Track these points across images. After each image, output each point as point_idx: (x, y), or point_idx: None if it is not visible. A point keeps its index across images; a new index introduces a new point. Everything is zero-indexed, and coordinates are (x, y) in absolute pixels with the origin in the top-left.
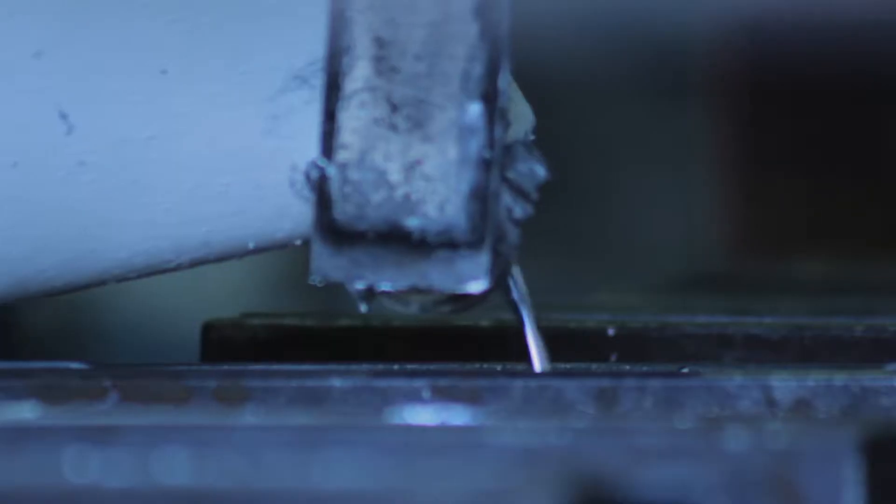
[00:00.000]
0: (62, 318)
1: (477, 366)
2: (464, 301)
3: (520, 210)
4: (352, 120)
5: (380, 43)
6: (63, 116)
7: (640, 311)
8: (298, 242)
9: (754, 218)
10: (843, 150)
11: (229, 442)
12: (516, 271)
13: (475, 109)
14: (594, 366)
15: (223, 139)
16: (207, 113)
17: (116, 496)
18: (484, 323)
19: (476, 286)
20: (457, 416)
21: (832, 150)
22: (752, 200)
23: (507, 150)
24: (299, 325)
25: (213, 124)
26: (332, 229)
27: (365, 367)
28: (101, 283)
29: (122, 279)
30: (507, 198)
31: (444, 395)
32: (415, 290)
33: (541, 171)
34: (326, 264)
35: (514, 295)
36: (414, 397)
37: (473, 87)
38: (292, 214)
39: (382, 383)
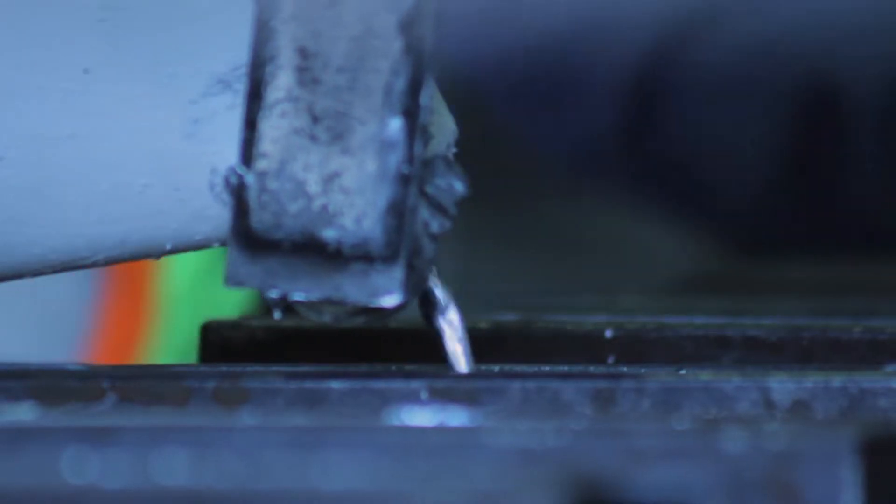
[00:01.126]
0: None
1: (475, 367)
2: (378, 313)
3: (437, 225)
4: (272, 129)
5: (303, 54)
6: None
7: (638, 313)
8: (216, 245)
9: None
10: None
11: (228, 443)
12: (435, 280)
13: (396, 124)
14: (592, 367)
15: (143, 140)
16: (128, 113)
17: (115, 497)
18: (482, 324)
19: (389, 300)
20: (455, 417)
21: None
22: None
23: (427, 164)
24: (298, 327)
25: (134, 125)
26: (249, 237)
27: (363, 368)
28: (16, 277)
29: (37, 274)
30: (424, 212)
31: (441, 396)
32: (329, 301)
33: (459, 187)
34: (241, 271)
35: (435, 302)
36: (412, 398)
37: (395, 101)
38: (211, 217)
39: (380, 384)
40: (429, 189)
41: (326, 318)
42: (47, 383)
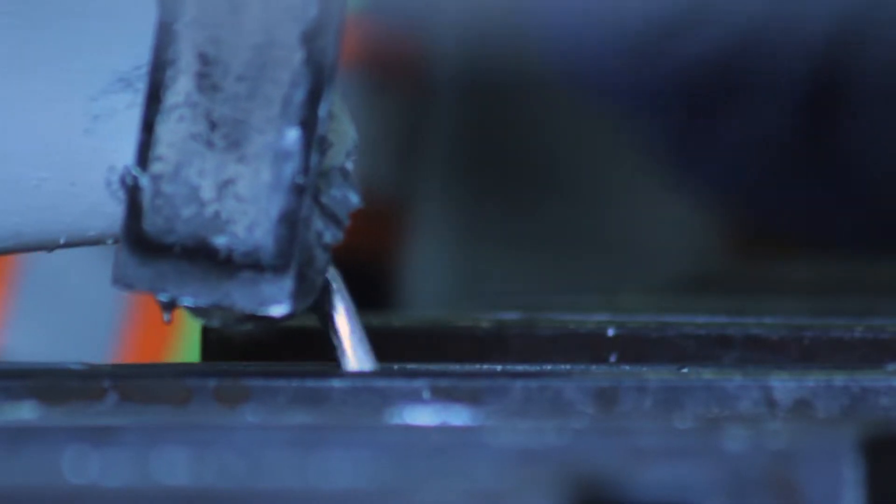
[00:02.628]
0: None
1: (477, 366)
2: (266, 320)
3: (330, 236)
4: (169, 133)
5: (204, 59)
6: None
7: (640, 312)
8: (111, 242)
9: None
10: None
11: (229, 442)
12: (337, 280)
13: (293, 135)
14: (594, 366)
15: (42, 134)
16: (28, 107)
17: (116, 496)
18: (484, 323)
19: (277, 310)
20: (457, 416)
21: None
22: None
23: (323, 175)
24: (299, 326)
25: (33, 119)
26: (140, 239)
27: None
28: None
29: None
30: (318, 223)
31: (443, 396)
32: (217, 307)
33: (354, 199)
34: (131, 273)
35: (335, 304)
36: (414, 397)
37: (293, 112)
38: (106, 214)
39: (382, 383)
40: (324, 199)
41: (215, 322)
42: (48, 383)
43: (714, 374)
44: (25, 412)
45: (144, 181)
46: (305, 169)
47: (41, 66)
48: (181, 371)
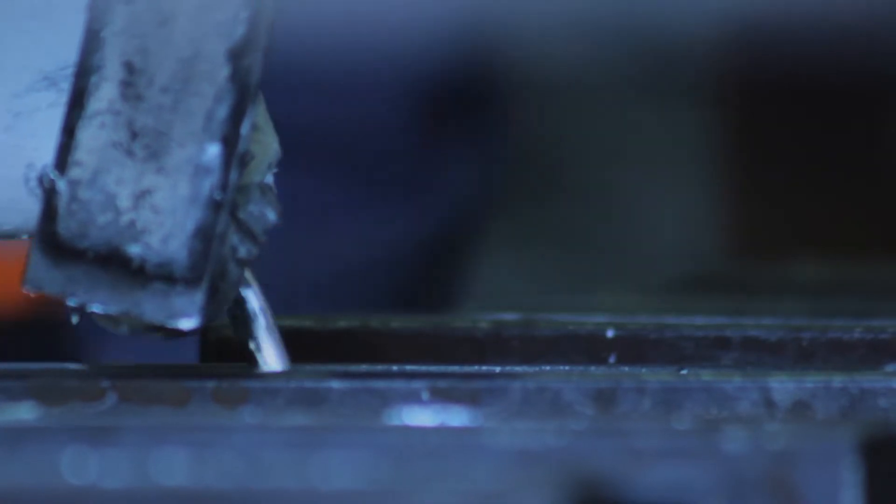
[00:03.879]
0: (62, 318)
1: (476, 367)
2: (174, 333)
3: (245, 251)
4: (90, 139)
5: (129, 69)
6: None
7: (639, 313)
8: (26, 237)
9: (753, 219)
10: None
11: (228, 442)
12: (252, 280)
13: (213, 151)
14: (593, 367)
15: None
16: None
17: (115, 497)
18: (483, 324)
19: (186, 323)
20: (455, 417)
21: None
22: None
23: (242, 191)
24: (297, 326)
25: None
26: (54, 243)
27: (364, 368)
28: None
29: None
30: (234, 238)
31: (442, 397)
32: (127, 315)
33: (271, 216)
34: (42, 276)
35: (251, 307)
36: (413, 399)
37: (215, 128)
38: (23, 210)
39: (381, 385)
40: (241, 215)
41: (122, 330)
42: (47, 383)
43: (713, 376)
44: (25, 412)
45: (61, 185)
46: (224, 185)
47: None
48: (180, 372)
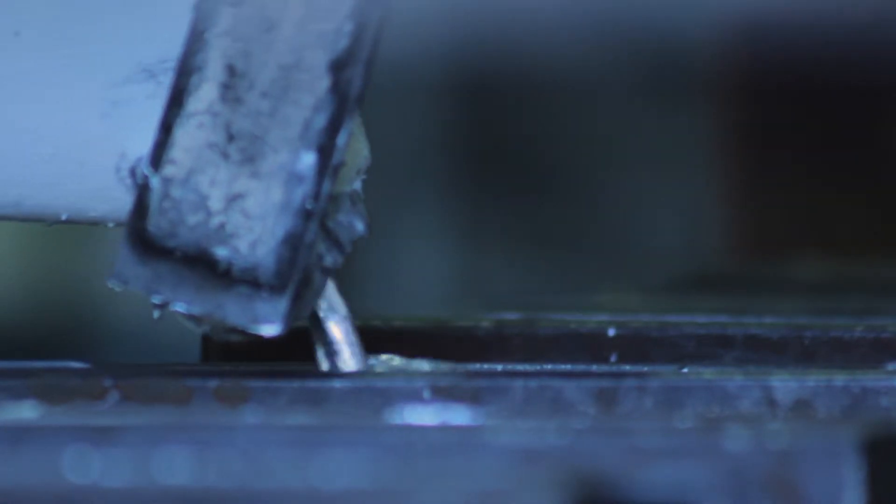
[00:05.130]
0: (62, 319)
1: (477, 366)
2: (254, 337)
3: (331, 259)
4: (187, 138)
5: (231, 71)
6: None
7: (640, 312)
8: (111, 225)
9: (755, 217)
10: (843, 150)
11: (230, 442)
12: (330, 284)
13: (308, 159)
14: (594, 366)
15: (58, 111)
16: (49, 83)
17: (117, 496)
18: (484, 323)
19: (268, 329)
20: (457, 416)
21: (832, 150)
22: (751, 201)
23: (333, 199)
24: (298, 326)
25: (52, 95)
26: (143, 239)
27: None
28: None
29: None
30: (321, 246)
31: (444, 395)
32: (209, 317)
33: (360, 227)
34: (129, 271)
35: (323, 309)
36: (414, 397)
37: (312, 137)
38: (111, 198)
39: (383, 383)
40: (330, 223)
41: (203, 329)
42: (49, 382)
43: (714, 374)
44: (26, 411)
45: (155, 182)
46: (316, 194)
47: (68, 46)
48: (182, 371)
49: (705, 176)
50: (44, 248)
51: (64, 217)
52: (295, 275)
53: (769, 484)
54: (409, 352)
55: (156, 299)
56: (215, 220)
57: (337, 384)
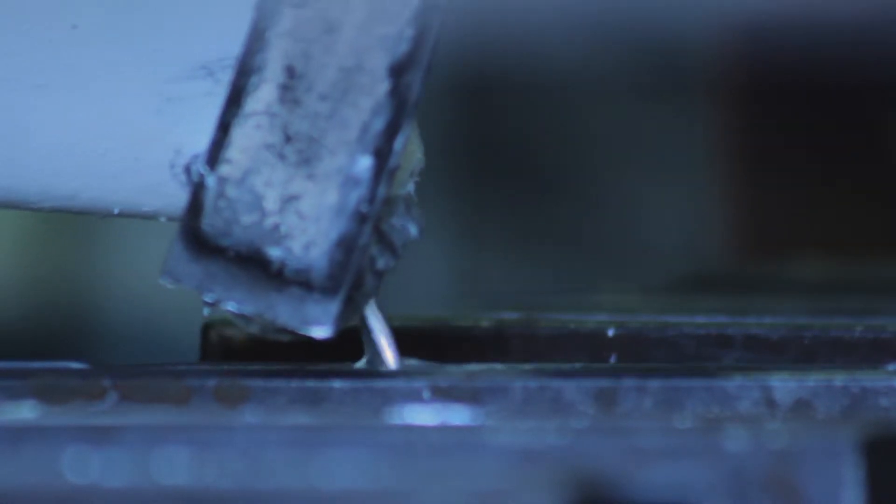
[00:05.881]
0: (62, 319)
1: (477, 366)
2: (303, 337)
3: (383, 262)
4: (244, 138)
5: (290, 72)
6: None
7: (640, 312)
8: (164, 220)
9: (754, 218)
10: (843, 150)
11: (229, 442)
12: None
13: (365, 163)
14: (594, 366)
15: (115, 106)
16: (106, 77)
17: (116, 496)
18: (484, 323)
19: (320, 332)
20: (457, 416)
21: (832, 150)
22: (752, 200)
23: (388, 202)
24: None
25: (109, 89)
26: (197, 237)
27: (365, 366)
28: None
29: None
30: (374, 248)
31: (443, 395)
32: (260, 317)
33: (413, 231)
34: (181, 269)
35: (371, 308)
36: (414, 397)
37: (369, 141)
38: (165, 193)
39: (382, 383)
40: (384, 226)
41: (253, 329)
42: (49, 382)
43: (714, 375)
44: (25, 411)
45: (211, 180)
46: (372, 198)
47: (126, 41)
48: (181, 371)
49: (705, 176)
50: (44, 249)
51: (117, 211)
52: (347, 277)
53: (769, 484)
54: (409, 352)
55: (208, 298)
56: (270, 221)
57: (337, 384)
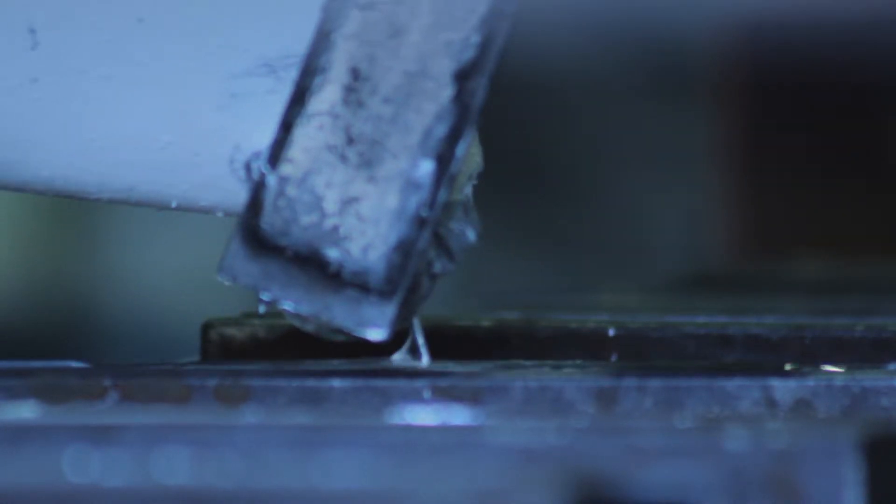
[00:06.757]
0: (62, 318)
1: (477, 366)
2: (359, 339)
3: (440, 266)
4: (306, 138)
5: (355, 74)
6: (31, 31)
7: (640, 312)
8: (221, 214)
9: (754, 218)
10: (844, 151)
11: (230, 441)
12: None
13: (427, 167)
14: (594, 366)
15: (177, 100)
16: (170, 70)
17: (116, 495)
18: (484, 323)
19: (375, 334)
20: (457, 415)
21: (832, 150)
22: (752, 200)
23: (447, 207)
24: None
25: (172, 83)
26: (255, 235)
27: (365, 366)
28: (18, 190)
29: (38, 193)
30: (431, 253)
31: (444, 395)
32: (315, 317)
33: (471, 236)
34: (240, 267)
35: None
36: (414, 397)
37: (432, 145)
38: (222, 188)
39: (383, 383)
40: (442, 231)
41: (308, 328)
42: (49, 381)
43: (714, 374)
44: (26, 411)
45: (272, 179)
46: (432, 203)
47: (190, 35)
48: (182, 371)
49: (705, 176)
50: (44, 248)
51: (174, 205)
52: (405, 281)
53: (769, 484)
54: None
55: (265, 296)
56: (329, 222)
57: (337, 384)
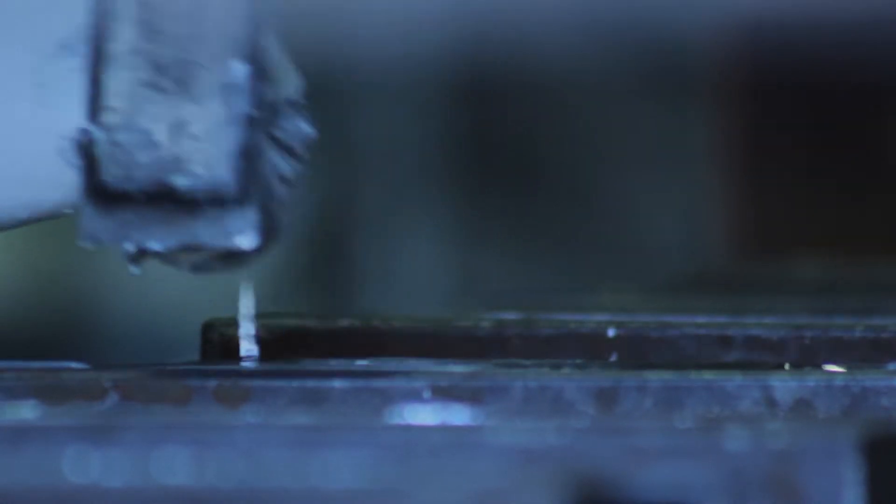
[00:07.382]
0: (62, 318)
1: (477, 366)
2: (236, 258)
3: (287, 168)
4: (118, 83)
5: (143, 5)
6: None
7: (640, 312)
8: (69, 211)
9: (754, 218)
10: (844, 150)
11: (229, 441)
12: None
13: (239, 69)
14: (594, 366)
15: None
16: None
17: (116, 496)
18: (484, 323)
19: (245, 241)
20: (457, 415)
21: (832, 149)
22: (752, 200)
23: (273, 108)
24: (299, 325)
25: None
26: (101, 192)
27: (365, 366)
28: None
29: None
30: (274, 156)
31: (444, 395)
32: (185, 250)
33: (307, 129)
34: (96, 227)
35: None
36: (414, 397)
37: (237, 47)
38: (62, 183)
39: (382, 383)
40: (277, 133)
41: (184, 267)
42: (49, 382)
43: (714, 374)
44: (26, 411)
45: (98, 133)
46: (257, 102)
47: None
48: (181, 371)
49: (705, 176)
50: (43, 248)
51: (25, 216)
52: (256, 182)
53: (769, 484)
54: (409, 352)
55: (129, 246)
56: (166, 153)
57: (337, 384)
